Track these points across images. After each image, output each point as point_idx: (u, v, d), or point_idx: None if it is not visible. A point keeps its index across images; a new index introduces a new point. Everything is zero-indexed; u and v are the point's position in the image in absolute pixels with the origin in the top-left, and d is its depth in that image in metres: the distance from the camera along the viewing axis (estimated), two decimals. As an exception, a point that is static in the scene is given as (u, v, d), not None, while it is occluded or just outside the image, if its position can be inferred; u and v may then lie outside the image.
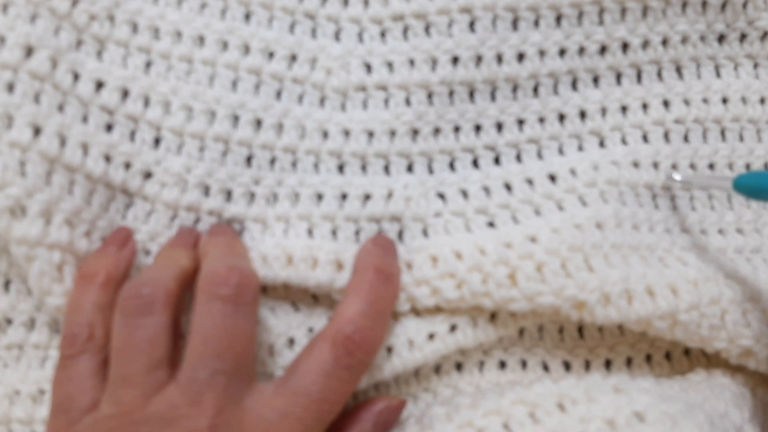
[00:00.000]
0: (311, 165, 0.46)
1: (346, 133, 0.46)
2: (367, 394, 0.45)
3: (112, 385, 0.38)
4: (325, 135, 0.46)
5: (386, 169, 0.46)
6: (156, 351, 0.38)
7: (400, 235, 0.45)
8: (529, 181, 0.46)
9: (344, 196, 0.46)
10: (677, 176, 0.46)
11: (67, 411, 0.39)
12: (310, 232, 0.45)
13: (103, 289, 0.41)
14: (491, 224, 0.45)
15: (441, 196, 0.46)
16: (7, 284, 0.46)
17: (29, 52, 0.42)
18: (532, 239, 0.43)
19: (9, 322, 0.45)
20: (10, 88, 0.42)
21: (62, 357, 0.40)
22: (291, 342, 0.44)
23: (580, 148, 0.47)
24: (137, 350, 0.38)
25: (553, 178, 0.46)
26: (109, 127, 0.44)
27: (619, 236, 0.44)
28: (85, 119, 0.44)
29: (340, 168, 0.46)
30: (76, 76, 0.44)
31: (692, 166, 0.48)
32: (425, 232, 0.45)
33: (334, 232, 0.45)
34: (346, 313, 0.40)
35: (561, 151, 0.47)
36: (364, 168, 0.46)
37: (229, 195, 0.45)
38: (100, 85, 0.44)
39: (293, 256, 0.44)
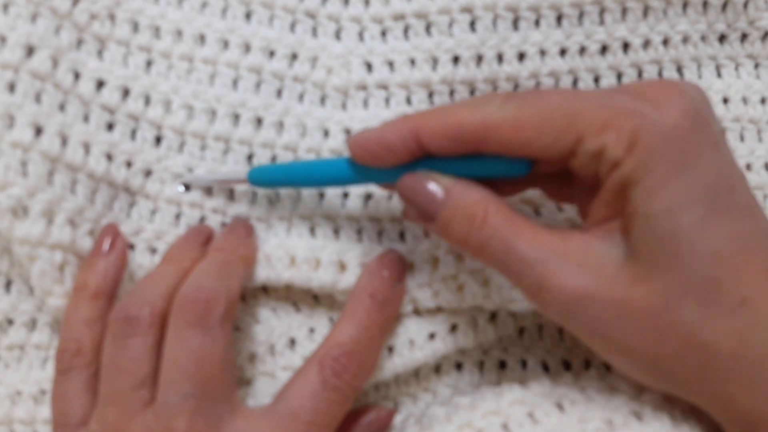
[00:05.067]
0: (312, 164, 0.46)
1: (347, 131, 0.46)
2: (368, 395, 0.45)
3: (100, 403, 0.39)
4: (326, 133, 0.46)
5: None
6: (139, 370, 0.38)
7: (402, 235, 0.45)
8: None
9: (345, 195, 0.46)
10: (180, 187, 0.45)
11: (62, 427, 0.39)
12: (312, 231, 0.45)
13: (92, 302, 0.41)
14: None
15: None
16: (8, 285, 0.46)
17: (30, 51, 0.42)
18: None
19: (10, 322, 0.46)
20: (12, 87, 0.42)
21: (56, 372, 0.41)
22: (292, 342, 0.44)
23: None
24: (121, 369, 0.38)
25: None
26: (110, 126, 0.44)
27: None
28: (86, 118, 0.44)
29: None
30: (77, 76, 0.44)
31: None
32: (427, 233, 0.45)
33: (336, 232, 0.45)
34: (336, 337, 0.40)
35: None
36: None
37: (231, 193, 0.46)
38: (100, 84, 0.45)
39: (296, 257, 0.44)
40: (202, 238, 0.44)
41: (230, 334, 0.39)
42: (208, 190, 0.45)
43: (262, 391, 0.43)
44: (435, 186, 0.36)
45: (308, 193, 0.45)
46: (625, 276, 0.33)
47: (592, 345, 0.35)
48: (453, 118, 0.35)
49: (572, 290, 0.33)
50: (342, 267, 0.44)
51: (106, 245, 0.43)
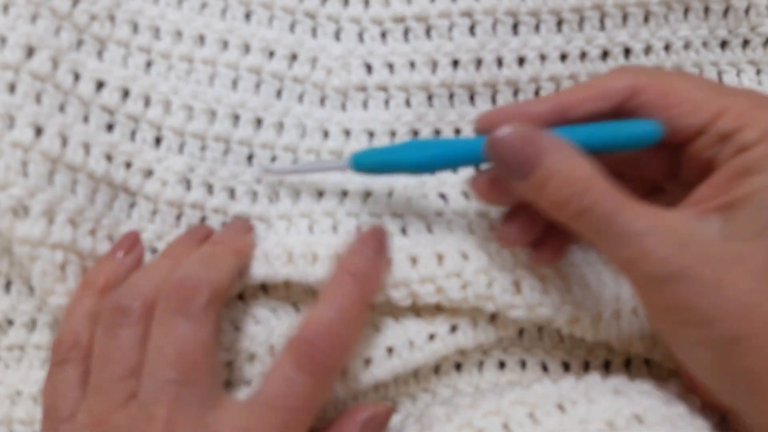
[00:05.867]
0: (312, 163, 0.46)
1: (347, 132, 0.47)
2: (366, 395, 0.45)
3: (88, 393, 0.38)
4: (326, 134, 0.47)
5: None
6: (128, 361, 0.38)
7: (404, 230, 0.45)
8: None
9: (345, 193, 0.46)
10: (259, 171, 0.45)
11: (51, 420, 0.39)
12: (310, 229, 0.45)
13: (98, 297, 0.41)
14: (493, 228, 0.45)
15: (443, 196, 0.46)
16: (8, 285, 0.46)
17: (30, 52, 0.42)
18: None
19: (10, 323, 0.45)
20: (12, 88, 0.42)
21: (51, 364, 0.40)
22: (292, 343, 0.44)
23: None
24: (110, 359, 0.38)
25: None
26: (110, 127, 0.45)
27: None
28: (86, 119, 0.44)
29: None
30: (76, 76, 0.44)
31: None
32: (429, 229, 0.45)
33: (334, 228, 0.45)
34: (311, 319, 0.39)
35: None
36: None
37: (232, 193, 0.46)
38: (100, 85, 0.45)
39: (293, 253, 0.43)
40: (201, 235, 0.44)
41: (216, 324, 0.39)
42: (210, 189, 0.45)
43: (263, 392, 0.43)
44: (539, 139, 0.37)
45: (308, 190, 0.46)
46: (723, 256, 0.34)
47: (675, 322, 0.35)
48: (600, 85, 0.38)
49: (670, 264, 0.34)
50: None
51: (122, 249, 0.43)
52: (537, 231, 0.41)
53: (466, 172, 0.46)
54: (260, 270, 0.44)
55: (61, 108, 0.43)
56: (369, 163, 0.41)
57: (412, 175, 0.41)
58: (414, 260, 0.43)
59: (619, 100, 0.38)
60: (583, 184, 0.35)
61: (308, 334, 0.39)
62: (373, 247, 0.42)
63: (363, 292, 0.41)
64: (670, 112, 0.37)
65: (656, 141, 0.38)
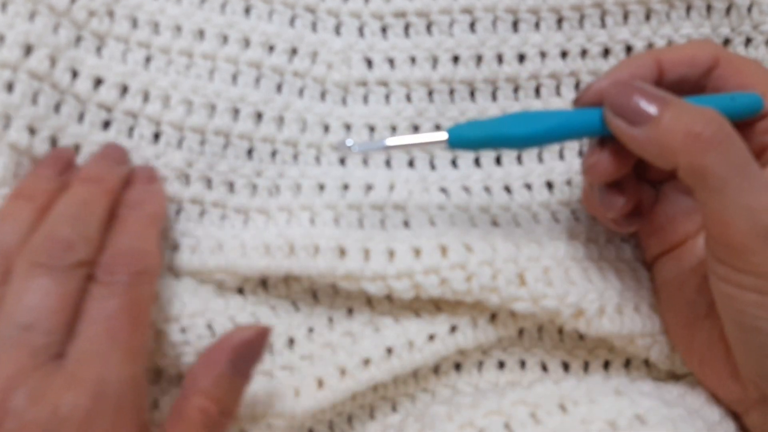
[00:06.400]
0: (312, 158, 0.46)
1: (347, 127, 0.46)
2: (366, 395, 0.45)
3: None
4: (326, 129, 0.46)
5: (388, 163, 0.47)
6: None
7: (406, 222, 0.45)
8: (528, 186, 0.46)
9: (346, 187, 0.46)
10: (349, 141, 0.40)
11: None
12: (312, 221, 0.45)
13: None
14: (495, 223, 0.45)
15: (443, 190, 0.46)
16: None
17: (28, 50, 0.42)
18: (538, 242, 0.44)
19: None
20: (10, 87, 0.42)
21: None
22: (291, 342, 0.44)
23: (581, 153, 0.47)
24: None
25: (550, 185, 0.46)
26: (106, 124, 0.44)
27: (609, 251, 0.46)
28: (81, 118, 0.44)
29: (342, 161, 0.46)
30: (74, 74, 0.44)
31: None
32: (432, 221, 0.45)
33: (336, 220, 0.45)
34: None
35: (561, 155, 0.47)
36: (365, 161, 0.46)
37: (231, 186, 0.46)
38: (98, 82, 0.44)
39: (294, 245, 0.43)
40: (59, 165, 0.42)
41: (82, 284, 0.37)
42: (208, 183, 0.45)
43: (260, 391, 0.43)
44: (662, 92, 0.37)
45: (308, 184, 0.45)
46: None
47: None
48: (687, 50, 0.40)
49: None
50: (342, 252, 0.43)
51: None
52: (635, 200, 0.41)
53: (468, 169, 0.46)
54: (261, 261, 0.44)
55: (57, 108, 0.43)
56: (470, 137, 0.38)
57: (515, 149, 0.41)
58: (417, 251, 0.43)
59: (705, 69, 0.39)
60: (718, 116, 0.35)
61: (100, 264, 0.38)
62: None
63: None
64: (743, 90, 0.38)
65: (757, 113, 0.38)
